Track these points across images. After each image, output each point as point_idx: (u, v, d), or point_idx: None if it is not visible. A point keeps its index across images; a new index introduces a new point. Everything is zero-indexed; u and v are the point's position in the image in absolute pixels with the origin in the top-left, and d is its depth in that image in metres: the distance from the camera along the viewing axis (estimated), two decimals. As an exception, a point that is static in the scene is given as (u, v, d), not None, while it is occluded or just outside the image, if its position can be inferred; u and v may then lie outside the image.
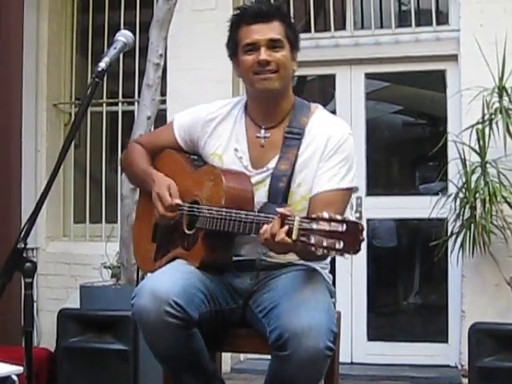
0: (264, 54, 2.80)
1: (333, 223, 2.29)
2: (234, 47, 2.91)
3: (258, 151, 2.92)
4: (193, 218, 2.85)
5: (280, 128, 2.91)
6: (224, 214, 2.68)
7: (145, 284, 2.67)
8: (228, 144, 2.96)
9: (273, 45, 2.82)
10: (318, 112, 2.97)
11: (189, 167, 3.01)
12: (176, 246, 2.92)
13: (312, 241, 2.30)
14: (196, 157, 3.07)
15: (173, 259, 2.88)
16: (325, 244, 2.28)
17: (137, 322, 2.67)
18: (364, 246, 5.89)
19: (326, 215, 2.32)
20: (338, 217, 2.31)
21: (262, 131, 2.94)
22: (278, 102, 2.91)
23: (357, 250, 2.28)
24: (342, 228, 2.28)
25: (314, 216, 2.34)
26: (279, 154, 2.86)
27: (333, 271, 3.03)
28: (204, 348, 2.74)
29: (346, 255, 2.30)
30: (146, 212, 3.08)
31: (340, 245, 2.27)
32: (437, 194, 5.83)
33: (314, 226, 2.31)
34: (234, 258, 2.88)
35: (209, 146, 3.00)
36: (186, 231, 2.88)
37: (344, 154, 2.84)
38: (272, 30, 2.82)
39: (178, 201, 2.87)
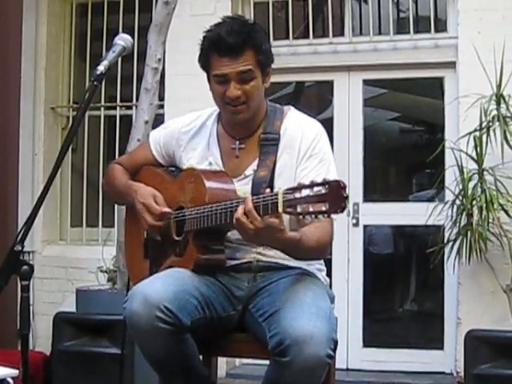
0: (234, 90, 2.80)
1: (315, 188, 2.33)
2: (205, 67, 2.91)
3: (232, 162, 2.94)
4: (180, 224, 2.86)
5: (255, 136, 2.93)
6: (208, 209, 2.69)
7: (137, 289, 2.68)
8: (202, 157, 2.99)
9: (242, 77, 2.80)
10: (291, 113, 2.99)
11: (168, 177, 3.05)
12: (168, 255, 2.92)
13: (298, 210, 2.34)
14: (174, 168, 3.09)
15: (167, 269, 2.87)
16: (311, 209, 2.32)
17: (128, 326, 2.68)
18: (360, 252, 5.92)
19: (306, 182, 2.36)
20: (319, 180, 2.34)
21: (237, 142, 2.96)
22: (249, 120, 2.92)
23: (343, 208, 2.30)
24: (325, 190, 2.31)
25: (295, 186, 2.38)
26: (257, 162, 2.87)
27: (329, 277, 3.03)
28: (196, 354, 2.75)
29: (334, 216, 2.35)
30: (134, 232, 3.12)
31: (326, 206, 2.30)
32: (430, 200, 5.86)
33: (297, 195, 2.35)
34: (231, 262, 2.88)
35: (184, 159, 3.03)
36: (176, 238, 2.89)
37: (320, 155, 2.86)
38: (242, 62, 2.79)
39: (167, 209, 2.89)
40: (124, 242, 3.35)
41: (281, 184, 2.77)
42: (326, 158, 2.87)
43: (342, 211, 2.31)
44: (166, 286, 2.64)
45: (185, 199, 2.87)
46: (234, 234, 2.80)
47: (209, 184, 2.79)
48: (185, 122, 3.08)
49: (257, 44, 2.82)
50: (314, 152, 2.85)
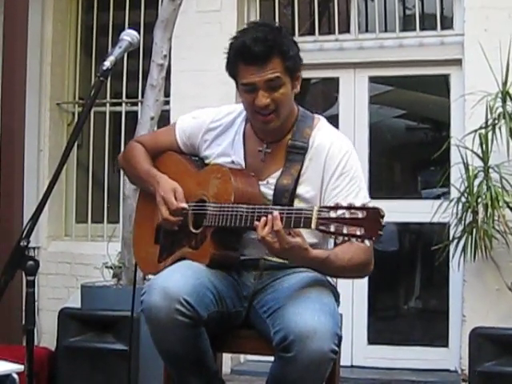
0: (262, 98, 2.75)
1: (352, 211, 2.32)
2: (233, 76, 2.87)
3: (257, 165, 2.92)
4: (199, 217, 2.85)
5: (283, 142, 2.90)
6: (234, 209, 2.68)
7: (156, 281, 2.67)
8: (225, 154, 2.97)
9: (270, 85, 2.76)
10: (321, 125, 2.96)
11: (192, 167, 3.02)
12: (182, 245, 2.91)
13: (331, 229, 2.34)
14: (197, 158, 3.07)
15: (179, 259, 2.87)
16: (345, 231, 2.31)
17: (146, 319, 2.66)
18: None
19: (344, 203, 2.35)
20: (357, 204, 2.33)
21: (264, 145, 2.93)
22: (279, 126, 2.88)
23: (378, 236, 2.30)
24: (362, 214, 2.30)
25: (332, 205, 2.38)
26: (282, 169, 2.86)
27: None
28: (209, 348, 2.75)
29: (367, 242, 2.32)
30: (147, 214, 3.09)
31: (361, 231, 2.29)
32: (438, 198, 5.84)
33: (333, 214, 2.34)
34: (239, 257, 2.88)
35: (208, 153, 3.02)
36: (193, 230, 2.87)
37: (351, 173, 2.84)
38: (270, 70, 2.74)
39: (184, 205, 2.87)
40: (134, 222, 3.31)
41: (302, 195, 2.81)
42: (356, 176, 2.85)
43: (376, 239, 2.31)
44: (185, 279, 2.64)
45: (207, 193, 2.86)
46: (247, 234, 2.80)
47: (236, 183, 2.77)
48: (215, 117, 3.04)
49: (283, 50, 2.76)
50: (345, 170, 2.83)
